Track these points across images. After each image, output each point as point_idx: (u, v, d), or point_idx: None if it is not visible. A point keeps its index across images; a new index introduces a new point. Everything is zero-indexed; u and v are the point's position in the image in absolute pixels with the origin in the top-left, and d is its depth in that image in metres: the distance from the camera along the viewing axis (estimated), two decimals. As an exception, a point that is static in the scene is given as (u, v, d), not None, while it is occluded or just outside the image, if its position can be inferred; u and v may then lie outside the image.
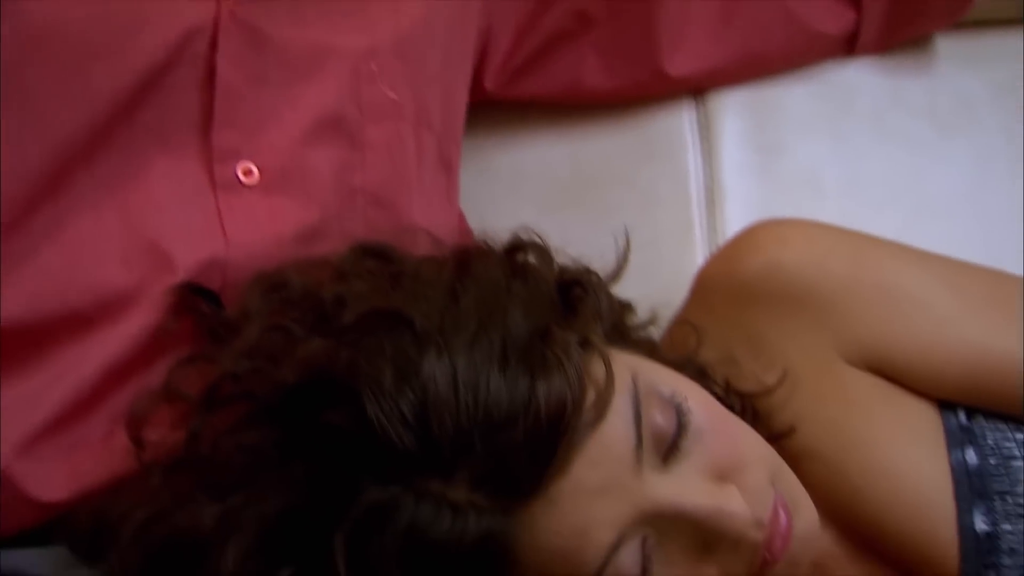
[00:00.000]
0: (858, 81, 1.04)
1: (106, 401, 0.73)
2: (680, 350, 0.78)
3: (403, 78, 0.82)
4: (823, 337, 0.78)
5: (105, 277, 0.73)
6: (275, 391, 0.66)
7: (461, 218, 0.94)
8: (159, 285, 0.73)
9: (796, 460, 0.73)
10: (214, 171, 0.76)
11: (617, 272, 0.76)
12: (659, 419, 0.66)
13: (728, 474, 0.67)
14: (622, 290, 0.78)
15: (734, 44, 1.01)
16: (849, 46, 1.04)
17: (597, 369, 0.65)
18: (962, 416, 0.77)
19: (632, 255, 0.79)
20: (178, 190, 0.75)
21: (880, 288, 0.78)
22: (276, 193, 0.77)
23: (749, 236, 0.82)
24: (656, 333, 0.82)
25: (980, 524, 0.73)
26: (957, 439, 0.76)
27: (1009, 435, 0.75)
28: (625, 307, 0.78)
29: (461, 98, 0.92)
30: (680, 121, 1.04)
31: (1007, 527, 0.73)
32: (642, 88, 1.03)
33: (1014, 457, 0.74)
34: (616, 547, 0.63)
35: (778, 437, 0.75)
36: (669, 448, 0.66)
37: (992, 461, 0.74)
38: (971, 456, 0.75)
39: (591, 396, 0.64)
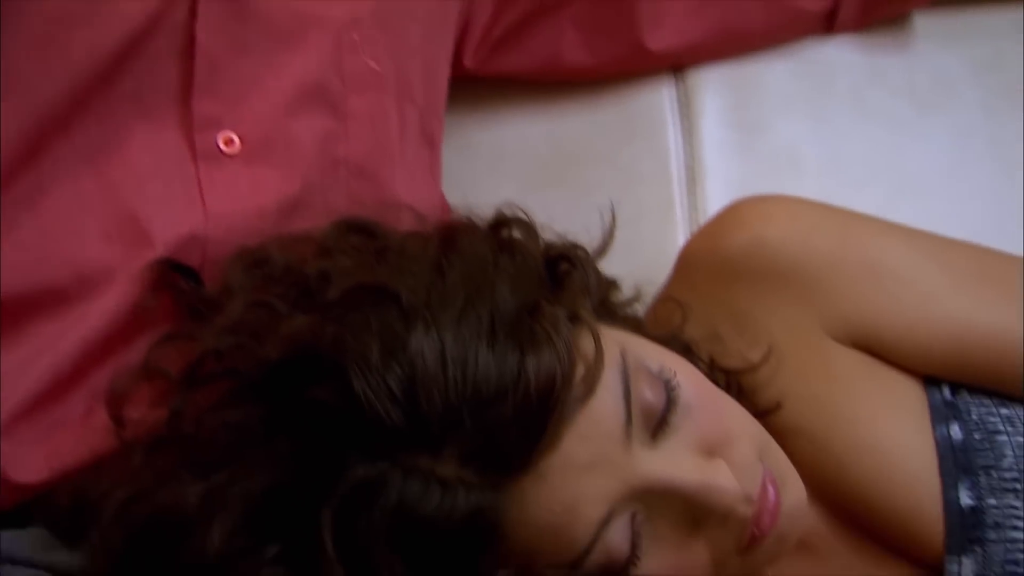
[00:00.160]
0: (837, 59, 1.04)
1: (85, 379, 0.72)
2: (664, 327, 0.78)
3: (385, 49, 0.81)
4: (808, 313, 0.78)
5: (84, 251, 0.72)
6: (259, 367, 0.65)
7: (441, 196, 0.93)
8: (138, 260, 0.72)
9: (781, 436, 0.72)
10: (195, 140, 0.75)
11: (603, 247, 0.76)
12: (648, 394, 0.65)
13: (717, 449, 0.67)
14: (603, 268, 0.78)
15: (714, 19, 1.01)
16: (828, 23, 1.04)
17: (586, 344, 0.65)
18: (946, 391, 0.77)
19: (613, 233, 0.78)
20: (158, 160, 0.74)
21: (865, 264, 0.78)
22: (258, 163, 0.76)
23: (733, 212, 0.81)
24: (639, 311, 0.81)
25: (965, 499, 0.73)
26: (942, 414, 0.76)
27: (993, 410, 0.76)
28: (610, 284, 0.77)
29: (443, 73, 0.91)
30: (660, 98, 1.04)
31: (992, 501, 0.73)
32: (622, 64, 1.02)
33: (999, 432, 0.74)
34: (606, 523, 0.63)
35: (763, 414, 0.75)
36: (658, 424, 0.65)
37: (977, 436, 0.75)
38: (956, 431, 0.75)
39: (580, 371, 0.63)
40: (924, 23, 1.05)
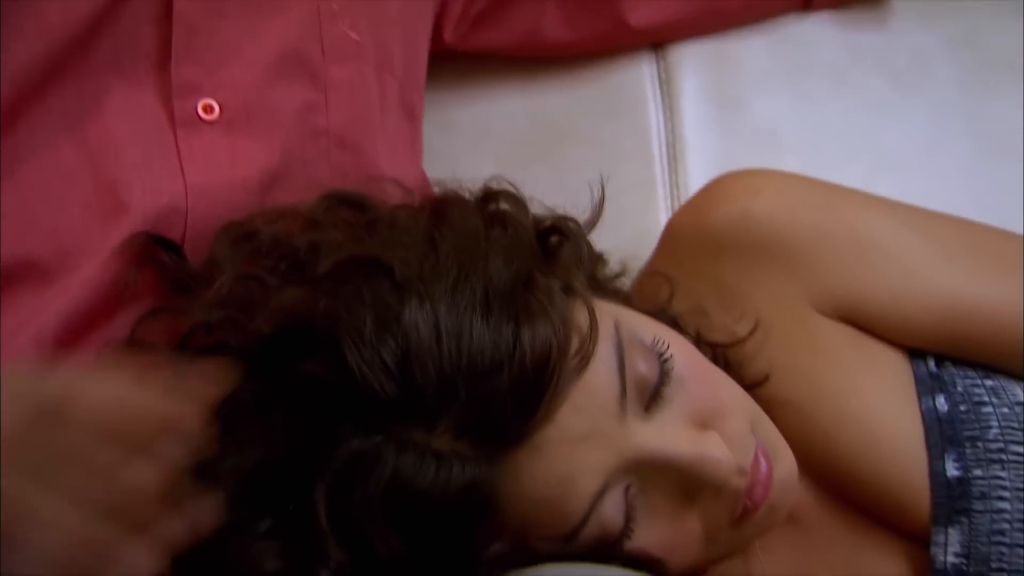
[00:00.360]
0: (816, 36, 1.05)
1: (68, 353, 0.70)
2: (650, 302, 0.78)
3: (364, 19, 0.81)
4: (794, 287, 0.78)
5: (64, 221, 0.71)
6: (251, 341, 0.64)
7: (422, 172, 0.92)
8: (117, 230, 0.71)
9: (768, 409, 0.72)
10: (173, 107, 0.74)
11: (593, 220, 0.75)
12: (642, 367, 0.65)
13: (709, 422, 0.67)
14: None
15: (695, -5, 1.01)
16: (806, 1, 1.04)
17: (580, 316, 0.64)
18: (931, 364, 0.77)
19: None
20: (136, 127, 0.73)
21: (850, 237, 0.78)
22: (238, 132, 0.75)
23: (719, 186, 0.81)
24: (625, 286, 0.81)
25: (951, 470, 0.73)
26: (927, 386, 0.76)
27: (979, 382, 0.76)
28: (598, 258, 0.77)
29: (423, 46, 0.91)
30: (641, 75, 1.04)
31: (978, 472, 0.73)
32: (603, 40, 1.02)
33: (984, 403, 0.75)
34: (601, 495, 0.63)
35: (751, 387, 0.75)
36: (652, 396, 0.65)
37: (962, 408, 0.75)
38: (941, 403, 0.75)
39: (575, 343, 0.63)
40: (901, 1, 1.06)
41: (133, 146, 0.72)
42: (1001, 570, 0.71)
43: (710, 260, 0.79)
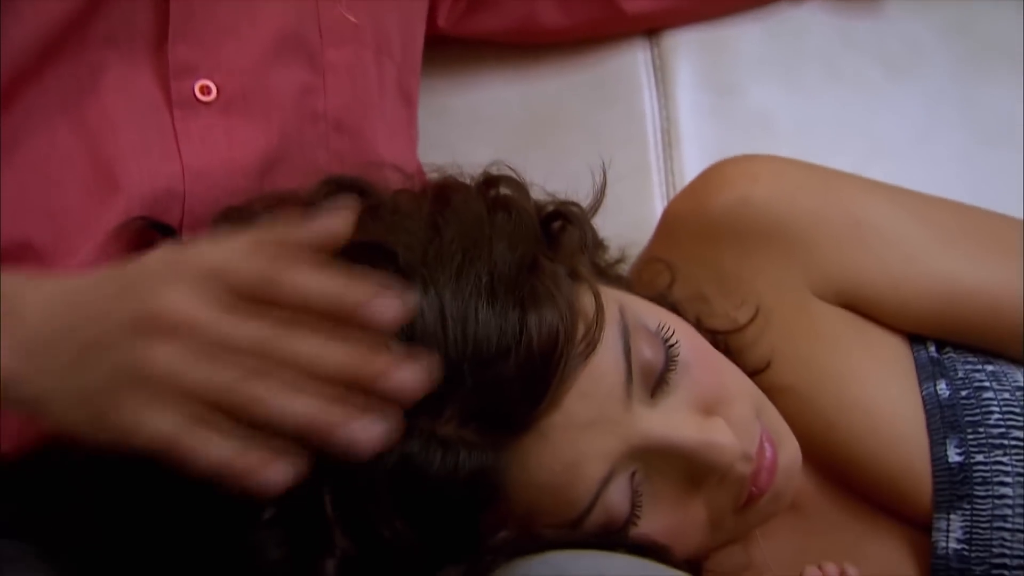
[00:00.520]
0: (809, 22, 1.04)
1: None
2: (649, 288, 0.77)
3: (362, 2, 0.80)
4: (793, 272, 0.78)
5: (62, 202, 0.70)
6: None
7: (417, 159, 0.92)
8: (114, 212, 0.70)
9: (769, 395, 0.72)
10: (170, 88, 0.73)
11: (595, 205, 0.75)
12: (647, 353, 0.65)
13: (715, 408, 0.66)
14: (585, 230, 0.77)
15: (689, -19, 1.00)
16: (799, -14, 1.05)
17: (585, 301, 0.64)
18: (932, 349, 0.77)
19: (590, 197, 0.78)
20: (133, 107, 0.72)
21: (850, 222, 0.78)
22: (235, 114, 0.74)
23: (717, 172, 0.81)
24: (623, 273, 0.81)
25: (953, 456, 0.73)
26: (928, 372, 0.76)
27: (979, 367, 0.76)
28: (599, 244, 0.77)
29: (419, 31, 0.90)
30: (635, 62, 1.03)
31: (980, 458, 0.73)
32: (597, 26, 1.01)
33: (985, 388, 0.75)
34: (607, 482, 0.63)
35: (752, 373, 0.74)
36: (657, 382, 0.65)
37: (963, 393, 0.75)
38: (943, 388, 0.75)
39: (581, 329, 0.62)
40: (894, -12, 1.06)
41: (130, 127, 0.72)
42: (1003, 555, 0.71)
43: (709, 246, 0.79)
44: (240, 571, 0.60)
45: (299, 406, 0.52)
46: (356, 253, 0.63)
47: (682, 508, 0.66)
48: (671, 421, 0.64)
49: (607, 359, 0.63)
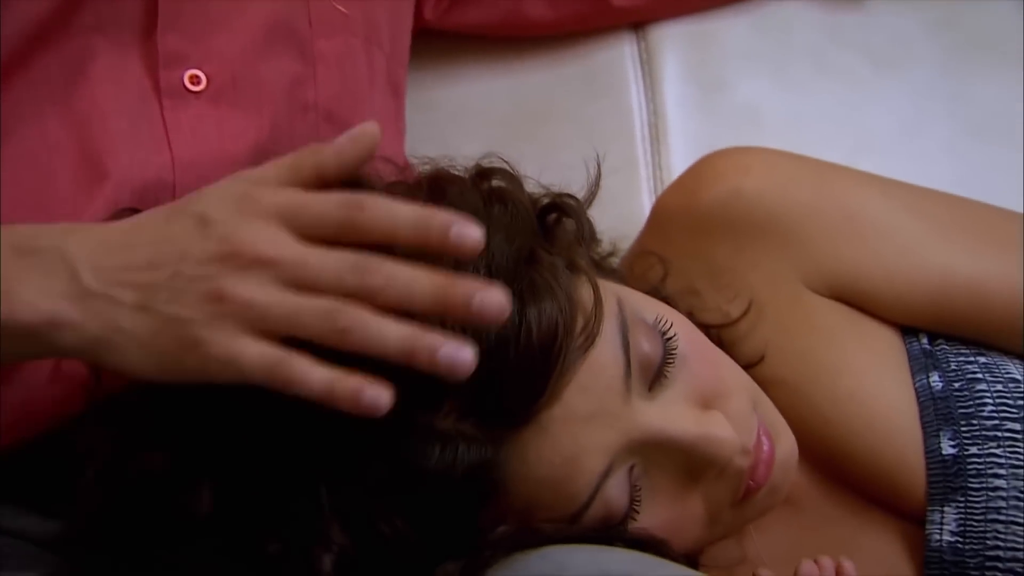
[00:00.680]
0: (797, 17, 1.04)
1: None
2: (641, 282, 0.77)
3: None
4: (786, 265, 0.78)
5: (53, 194, 0.69)
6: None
7: (403, 152, 0.91)
8: (105, 204, 0.69)
9: (764, 389, 0.72)
10: (159, 77, 0.72)
11: (590, 198, 0.74)
12: (645, 346, 0.64)
13: (712, 401, 0.66)
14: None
15: (676, -26, 1.00)
16: (786, -20, 1.04)
17: (583, 294, 0.63)
18: (925, 341, 0.77)
19: (579, 191, 0.77)
20: (122, 96, 0.71)
21: (843, 215, 0.78)
22: (225, 104, 0.74)
23: (708, 165, 0.80)
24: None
25: (947, 448, 0.73)
26: (921, 364, 0.76)
27: (972, 359, 0.76)
28: (594, 237, 0.76)
29: (407, 22, 0.89)
30: (622, 55, 1.03)
31: (973, 450, 0.73)
32: (584, 19, 1.01)
33: (978, 380, 0.75)
34: (606, 475, 0.62)
35: (746, 367, 0.74)
36: (655, 375, 0.65)
37: (956, 385, 0.75)
38: (936, 380, 0.75)
39: (580, 321, 0.62)
40: (880, -18, 1.06)
41: (119, 117, 0.71)
42: (997, 547, 0.71)
43: (701, 240, 0.78)
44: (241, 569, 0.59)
45: (395, 331, 0.52)
46: (352, 246, 0.62)
47: (680, 502, 0.65)
48: (669, 414, 0.64)
49: (606, 352, 0.62)
